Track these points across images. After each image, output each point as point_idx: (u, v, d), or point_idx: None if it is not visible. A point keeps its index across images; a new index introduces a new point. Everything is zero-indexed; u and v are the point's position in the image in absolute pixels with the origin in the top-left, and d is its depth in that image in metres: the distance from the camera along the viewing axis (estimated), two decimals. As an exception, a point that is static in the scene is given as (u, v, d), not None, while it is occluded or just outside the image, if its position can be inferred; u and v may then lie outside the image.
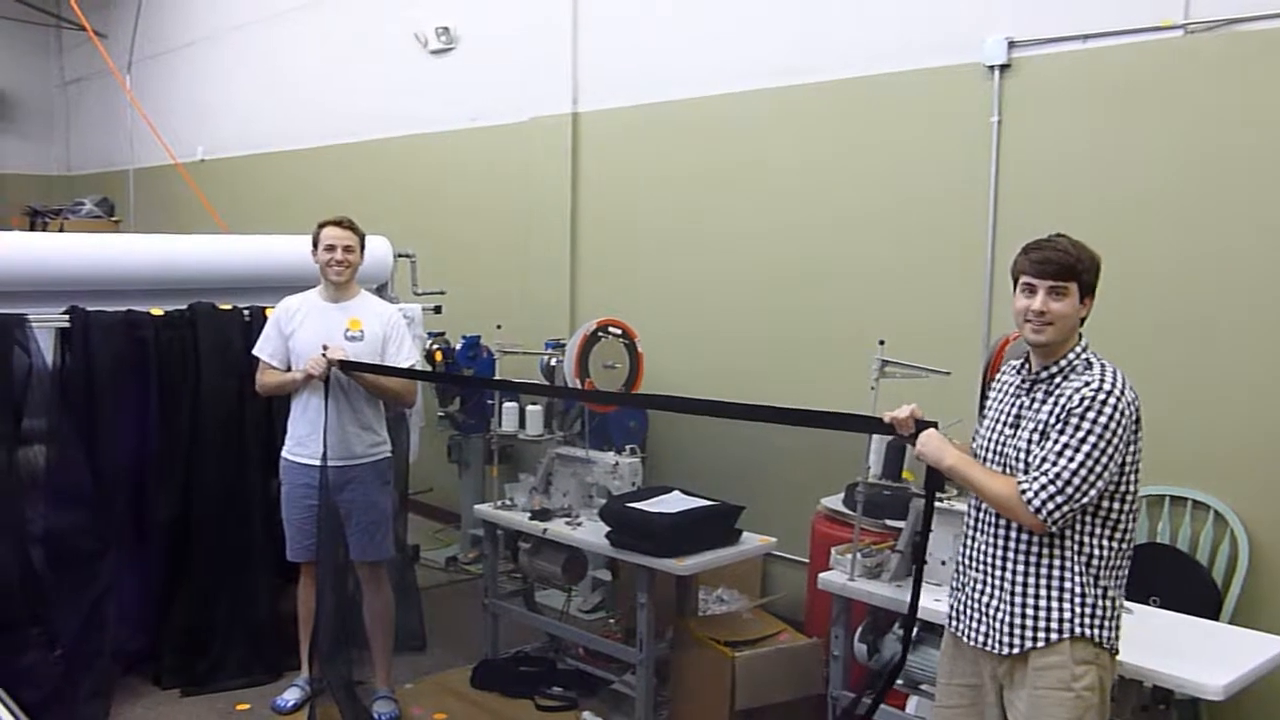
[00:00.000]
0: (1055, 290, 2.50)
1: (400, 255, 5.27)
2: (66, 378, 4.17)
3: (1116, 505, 2.50)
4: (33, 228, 9.66)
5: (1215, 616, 3.56)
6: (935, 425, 2.64)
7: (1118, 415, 2.43)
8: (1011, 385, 2.67)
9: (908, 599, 2.88)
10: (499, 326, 5.08)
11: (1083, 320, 2.56)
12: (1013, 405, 2.62)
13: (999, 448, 2.61)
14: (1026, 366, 2.63)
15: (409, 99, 7.19)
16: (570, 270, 6.06)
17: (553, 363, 4.97)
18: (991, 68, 4.25)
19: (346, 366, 3.97)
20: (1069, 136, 4.11)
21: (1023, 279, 2.55)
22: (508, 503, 4.63)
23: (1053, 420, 2.48)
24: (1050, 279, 2.50)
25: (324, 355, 3.93)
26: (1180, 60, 3.82)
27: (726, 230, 5.31)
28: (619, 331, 4.66)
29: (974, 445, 2.72)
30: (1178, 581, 3.63)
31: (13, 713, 2.01)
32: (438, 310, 5.48)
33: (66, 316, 4.19)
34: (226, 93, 9.22)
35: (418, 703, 4.35)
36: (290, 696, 4.28)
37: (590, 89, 5.96)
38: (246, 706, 4.31)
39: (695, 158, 5.44)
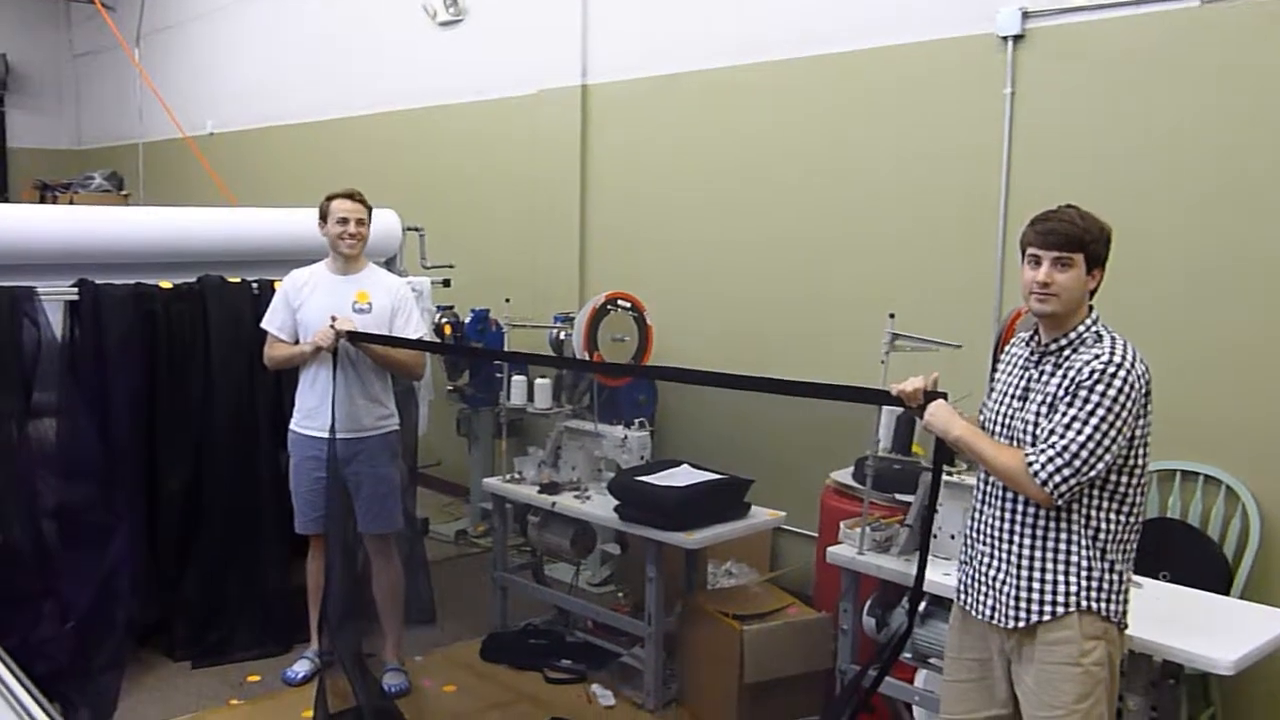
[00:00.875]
0: (1060, 261, 2.47)
1: (409, 229, 5.25)
2: (76, 351, 4.17)
3: (1124, 479, 2.49)
4: (42, 201, 9.67)
5: (1226, 591, 3.54)
6: (945, 396, 2.63)
7: (1127, 389, 2.41)
8: (1020, 357, 2.64)
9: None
10: (508, 300, 5.08)
11: (1092, 293, 2.53)
12: (1021, 378, 2.60)
13: (1007, 420, 2.59)
14: (1035, 339, 2.61)
15: (417, 71, 7.16)
16: (579, 244, 6.04)
17: (562, 336, 4.97)
18: (1005, 38, 4.20)
19: (355, 338, 3.97)
20: (1083, 108, 4.06)
21: (1029, 250, 2.52)
22: (516, 476, 4.63)
23: (1061, 393, 2.46)
24: (1055, 250, 2.47)
25: (332, 326, 3.92)
26: (1196, 30, 3.77)
27: (736, 203, 5.27)
28: (628, 304, 4.66)
29: (981, 418, 2.70)
30: (1189, 556, 3.61)
31: (25, 686, 2.02)
32: (446, 284, 5.47)
33: (75, 289, 4.19)
34: (235, 66, 9.19)
35: (427, 675, 4.37)
36: (300, 669, 4.30)
37: (600, 61, 5.92)
38: (257, 678, 4.34)
39: (704, 130, 5.40)
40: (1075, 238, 2.47)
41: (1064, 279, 2.47)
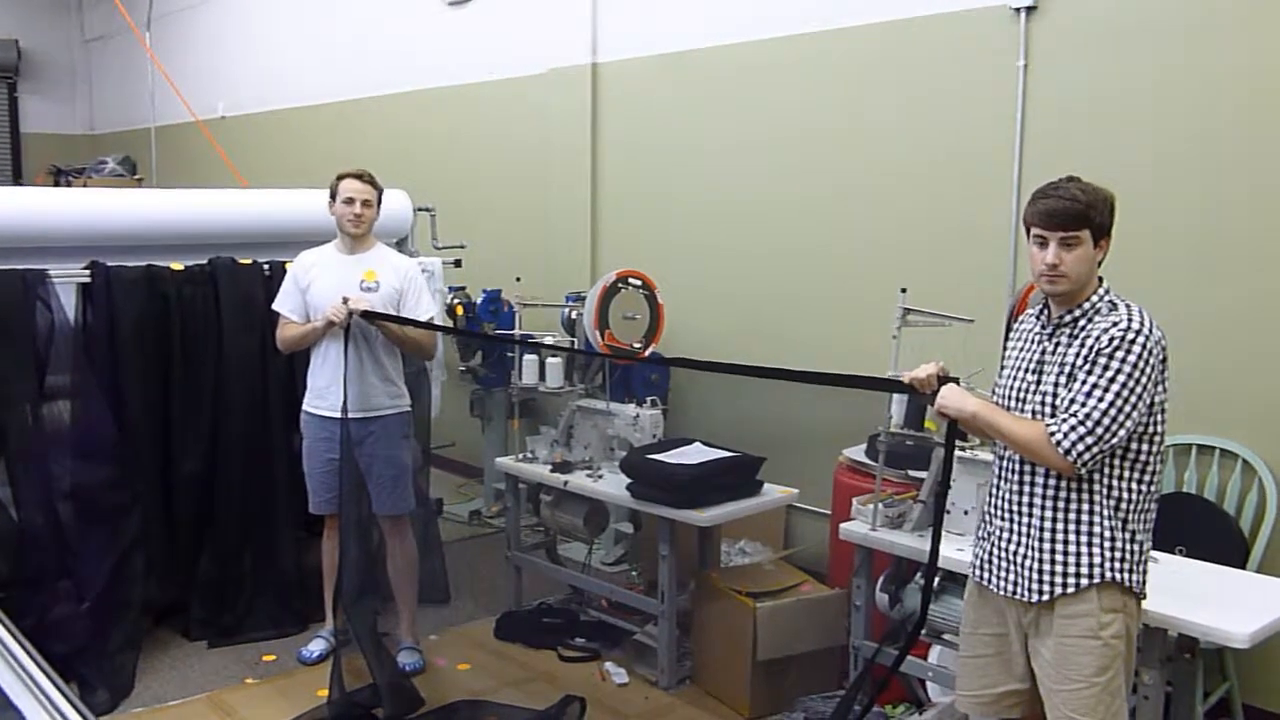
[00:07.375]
0: (1066, 241, 2.43)
1: (420, 209, 5.24)
2: (89, 333, 4.17)
3: (1144, 447, 2.47)
4: (56, 186, 9.69)
5: (1243, 566, 3.52)
6: (956, 381, 2.61)
7: (1146, 355, 2.39)
8: (1031, 331, 2.62)
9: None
10: (519, 279, 5.06)
11: (1100, 262, 2.50)
12: (1035, 352, 2.58)
13: (1021, 394, 2.57)
14: (1046, 312, 2.58)
15: (428, 51, 7.14)
16: (590, 222, 6.02)
17: (573, 315, 4.95)
18: (1017, 10, 4.16)
19: (370, 315, 3.95)
20: (1098, 80, 4.02)
21: (1034, 230, 2.48)
22: (529, 456, 4.64)
23: (1080, 362, 2.44)
24: (1060, 230, 2.43)
25: (345, 304, 3.91)
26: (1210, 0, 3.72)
27: (748, 179, 5.25)
28: (639, 283, 4.64)
29: (994, 395, 2.68)
30: (1205, 531, 3.59)
31: (41, 666, 2.03)
32: (458, 264, 5.46)
33: (88, 272, 4.19)
34: (245, 49, 9.19)
35: (441, 654, 4.39)
36: (315, 648, 4.32)
37: (610, 39, 5.89)
38: (273, 658, 4.36)
39: (716, 107, 5.37)
40: (1079, 214, 2.42)
41: (1071, 258, 2.43)
